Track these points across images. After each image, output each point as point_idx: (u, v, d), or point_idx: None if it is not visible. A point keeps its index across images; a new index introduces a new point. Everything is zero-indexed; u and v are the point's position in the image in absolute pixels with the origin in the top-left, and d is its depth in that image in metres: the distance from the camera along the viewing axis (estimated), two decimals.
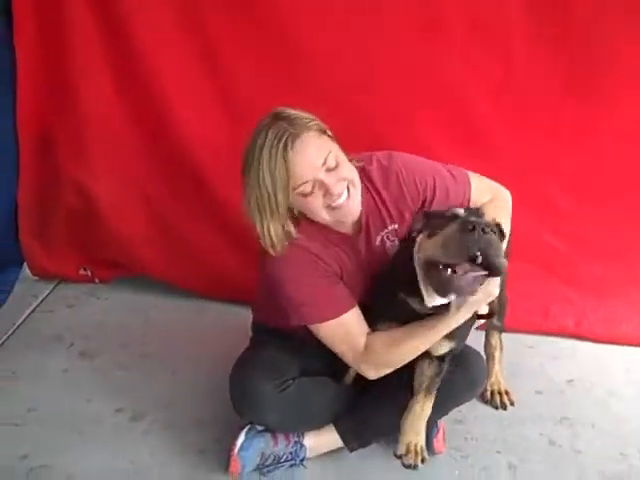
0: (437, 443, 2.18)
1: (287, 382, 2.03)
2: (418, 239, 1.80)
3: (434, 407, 2.09)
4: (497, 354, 2.46)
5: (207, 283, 3.03)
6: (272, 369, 2.04)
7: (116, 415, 2.37)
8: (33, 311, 3.01)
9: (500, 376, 2.46)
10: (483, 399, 2.44)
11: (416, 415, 2.04)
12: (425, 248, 1.75)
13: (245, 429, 2.09)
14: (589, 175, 2.82)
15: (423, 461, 2.05)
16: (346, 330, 1.94)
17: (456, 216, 1.75)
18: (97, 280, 3.22)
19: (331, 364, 2.16)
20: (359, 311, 1.97)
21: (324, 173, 1.79)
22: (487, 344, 2.46)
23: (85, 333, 2.84)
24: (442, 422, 2.20)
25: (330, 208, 1.83)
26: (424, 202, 2.00)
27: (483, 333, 2.47)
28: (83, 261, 3.21)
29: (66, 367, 2.63)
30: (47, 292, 3.15)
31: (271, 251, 1.89)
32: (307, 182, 1.78)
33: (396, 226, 2.01)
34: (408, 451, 2.05)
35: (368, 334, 1.96)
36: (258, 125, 1.83)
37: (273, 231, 1.85)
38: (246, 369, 2.07)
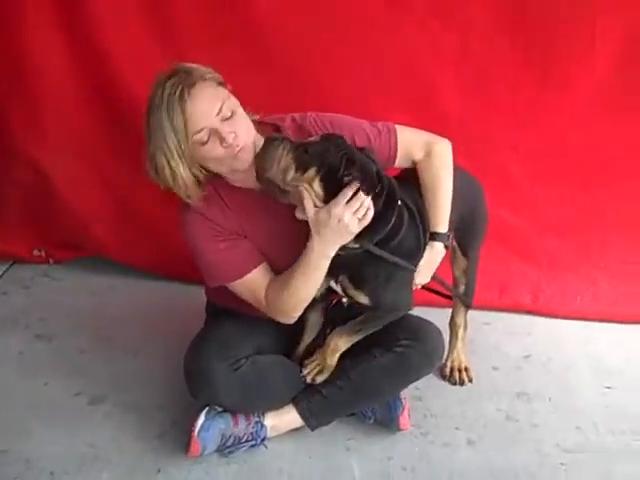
0: (403, 421, 2.19)
1: (240, 361, 2.02)
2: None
3: (393, 381, 2.13)
4: (460, 332, 2.49)
5: (163, 263, 3.01)
6: (225, 348, 2.03)
7: (74, 399, 2.34)
8: None
9: (462, 353, 2.49)
10: (442, 375, 2.47)
11: (323, 349, 2.08)
12: None
13: (205, 410, 2.07)
14: (545, 151, 2.85)
15: (316, 379, 2.10)
16: (249, 288, 2.00)
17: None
18: (51, 261, 3.16)
19: (285, 342, 2.19)
20: (264, 267, 2.01)
21: (219, 122, 1.82)
22: (452, 322, 2.49)
23: (40, 315, 2.80)
24: (407, 400, 2.21)
25: (233, 156, 1.85)
26: None
27: (448, 313, 2.51)
28: (37, 241, 3.16)
29: (22, 350, 2.59)
30: (0, 273, 3.09)
31: (189, 201, 1.92)
32: (202, 129, 1.81)
33: None
34: (311, 369, 2.10)
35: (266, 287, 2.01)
36: (157, 78, 1.85)
37: (184, 176, 1.86)
38: (198, 350, 2.05)
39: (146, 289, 2.99)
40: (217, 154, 1.84)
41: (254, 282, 1.99)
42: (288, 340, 2.20)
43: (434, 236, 2.06)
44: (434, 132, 2.11)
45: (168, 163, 1.83)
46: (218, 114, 1.82)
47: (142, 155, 2.76)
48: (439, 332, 2.18)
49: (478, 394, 2.39)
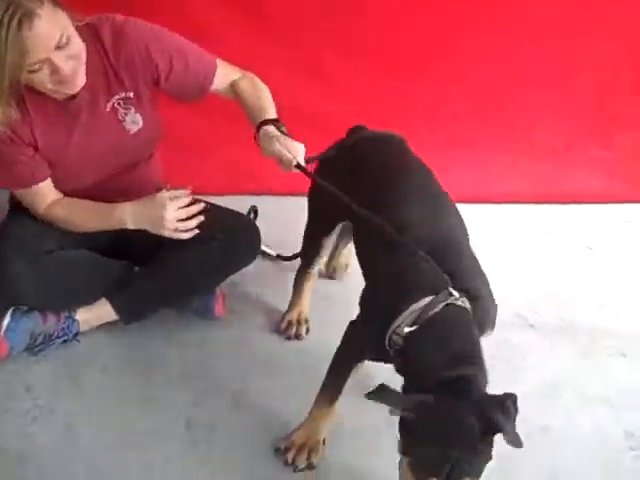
0: (218, 308, 2.22)
1: (41, 257, 1.95)
2: None
3: (209, 275, 2.13)
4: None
5: None
6: (23, 244, 1.94)
7: None
8: None
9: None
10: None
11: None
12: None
13: (10, 310, 2.01)
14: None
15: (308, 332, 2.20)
16: (32, 198, 1.97)
17: None
18: None
19: (94, 235, 2.08)
20: (50, 182, 1.96)
21: (55, 52, 1.66)
22: None
23: None
24: (222, 288, 2.22)
25: (56, 82, 1.73)
26: (158, 72, 1.93)
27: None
28: None
29: None
30: None
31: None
32: (39, 62, 1.65)
33: (131, 94, 1.93)
34: (290, 325, 2.20)
35: (55, 200, 1.99)
36: None
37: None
38: None
39: None
40: (45, 80, 1.70)
41: (38, 193, 1.95)
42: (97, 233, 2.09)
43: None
44: None
45: None
46: (57, 45, 1.65)
47: None
48: (254, 225, 2.19)
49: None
